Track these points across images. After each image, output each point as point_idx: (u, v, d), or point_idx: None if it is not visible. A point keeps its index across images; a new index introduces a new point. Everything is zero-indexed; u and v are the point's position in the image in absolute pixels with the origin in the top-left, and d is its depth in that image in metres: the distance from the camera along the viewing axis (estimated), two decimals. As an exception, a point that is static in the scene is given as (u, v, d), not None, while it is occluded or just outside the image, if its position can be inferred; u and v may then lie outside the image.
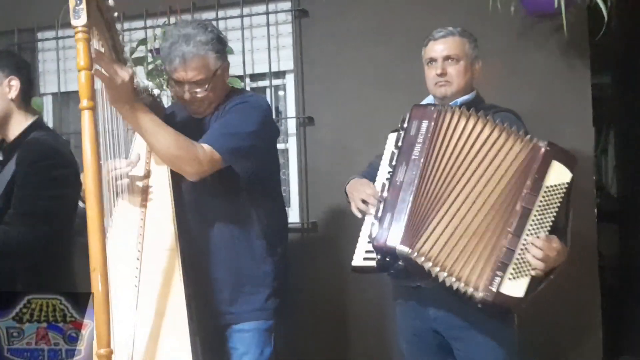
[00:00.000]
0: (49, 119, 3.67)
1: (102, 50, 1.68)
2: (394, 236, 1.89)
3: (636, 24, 3.55)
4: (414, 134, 2.01)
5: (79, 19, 1.43)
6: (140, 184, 2.02)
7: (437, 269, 1.83)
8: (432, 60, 2.12)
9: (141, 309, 1.82)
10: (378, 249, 1.94)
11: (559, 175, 1.89)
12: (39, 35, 3.67)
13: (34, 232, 1.93)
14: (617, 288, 4.22)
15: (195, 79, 1.97)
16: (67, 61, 3.62)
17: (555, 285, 2.70)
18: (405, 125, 2.05)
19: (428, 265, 1.84)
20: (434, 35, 2.15)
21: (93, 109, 1.48)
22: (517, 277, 1.81)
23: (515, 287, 1.81)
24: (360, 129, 3.06)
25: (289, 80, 3.31)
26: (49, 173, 1.98)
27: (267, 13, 3.22)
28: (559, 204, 1.86)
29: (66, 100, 3.65)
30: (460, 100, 2.09)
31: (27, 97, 2.12)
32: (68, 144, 2.36)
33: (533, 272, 1.81)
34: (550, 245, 1.80)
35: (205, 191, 2.00)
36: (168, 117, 2.13)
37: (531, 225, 1.83)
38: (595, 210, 2.84)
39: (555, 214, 1.85)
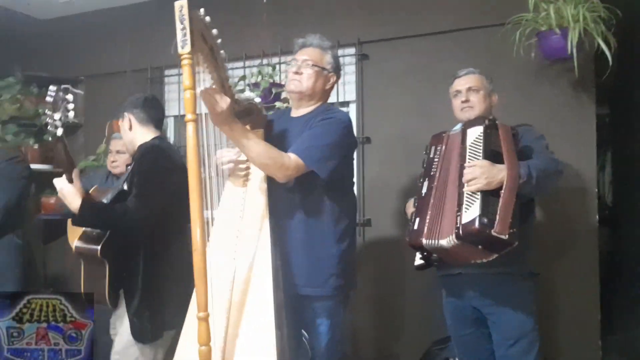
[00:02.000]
0: (170, 135, 3.75)
1: (207, 71, 1.65)
2: (419, 234, 1.87)
3: (631, 67, 3.37)
4: (432, 156, 2.04)
5: (184, 47, 1.41)
6: (242, 166, 1.96)
7: (433, 242, 1.82)
8: (458, 92, 2.10)
9: (237, 279, 1.74)
10: (411, 247, 1.95)
11: (472, 134, 1.91)
12: (166, 72, 3.75)
13: (147, 209, 1.97)
14: (611, 279, 4.03)
15: (307, 59, 1.99)
16: (169, 93, 3.71)
17: (564, 276, 2.65)
18: (427, 151, 2.09)
19: (429, 242, 1.83)
20: (457, 74, 2.15)
21: (195, 121, 1.46)
22: (469, 207, 1.74)
23: (470, 213, 1.73)
24: (405, 146, 3.01)
25: (352, 108, 3.27)
26: (155, 166, 2.05)
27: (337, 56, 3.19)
28: (481, 147, 1.84)
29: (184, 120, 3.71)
30: None
31: (145, 122, 2.20)
32: (176, 149, 2.41)
33: (473, 188, 1.75)
34: (474, 167, 1.77)
35: (289, 188, 1.91)
36: (269, 122, 2.09)
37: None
38: (597, 217, 2.70)
39: (482, 153, 1.82)
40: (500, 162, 1.78)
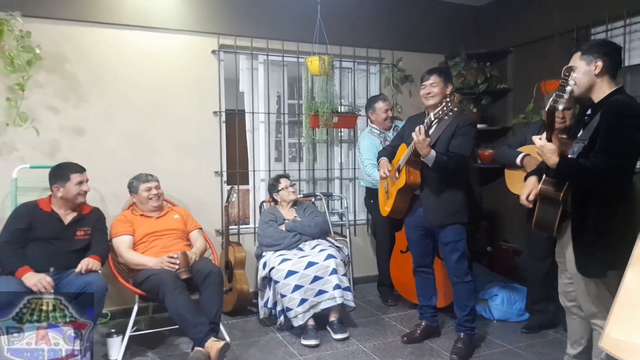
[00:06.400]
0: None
1: None
2: None
3: None
4: None
5: None
6: None
7: None
8: None
9: None
10: None
11: None
12: (592, 30, 3.33)
13: (612, 167, 1.80)
14: None
15: None
16: (631, 42, 3.17)
17: None
18: None
19: None
20: None
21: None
22: None
23: None
24: None
25: None
26: (623, 123, 1.80)
27: None
28: None
29: (632, 70, 3.20)
30: None
31: (613, 72, 1.92)
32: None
33: None
34: None
35: None
36: None
37: None
38: None
39: None
40: None
